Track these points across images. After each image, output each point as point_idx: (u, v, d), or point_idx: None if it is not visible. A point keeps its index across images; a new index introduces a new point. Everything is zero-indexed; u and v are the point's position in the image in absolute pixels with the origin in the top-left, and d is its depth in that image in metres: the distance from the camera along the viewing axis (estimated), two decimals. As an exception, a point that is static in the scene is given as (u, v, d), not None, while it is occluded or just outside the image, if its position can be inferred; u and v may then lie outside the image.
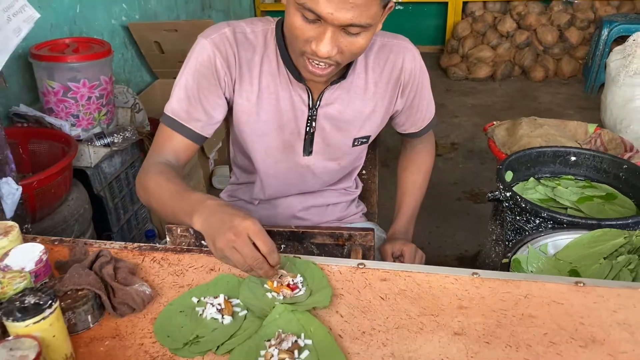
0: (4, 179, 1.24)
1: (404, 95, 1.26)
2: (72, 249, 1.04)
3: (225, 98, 1.18)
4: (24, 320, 0.73)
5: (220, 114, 1.18)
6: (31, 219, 1.61)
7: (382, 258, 1.33)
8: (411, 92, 1.27)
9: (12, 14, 1.15)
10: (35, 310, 0.74)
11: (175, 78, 3.00)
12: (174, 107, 1.15)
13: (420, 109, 1.32)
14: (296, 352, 0.79)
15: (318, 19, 0.94)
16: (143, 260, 1.03)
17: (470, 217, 2.73)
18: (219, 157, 3.24)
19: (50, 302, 0.75)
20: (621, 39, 3.70)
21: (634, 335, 0.82)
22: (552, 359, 0.79)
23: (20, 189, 1.27)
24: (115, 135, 2.08)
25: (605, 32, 3.99)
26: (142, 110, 2.54)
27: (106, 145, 2.04)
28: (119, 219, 2.23)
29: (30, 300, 0.75)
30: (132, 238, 2.33)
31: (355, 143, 1.27)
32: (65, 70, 1.94)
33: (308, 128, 1.22)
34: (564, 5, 4.58)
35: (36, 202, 1.66)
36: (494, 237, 1.92)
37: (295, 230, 1.19)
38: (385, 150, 1.60)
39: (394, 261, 1.29)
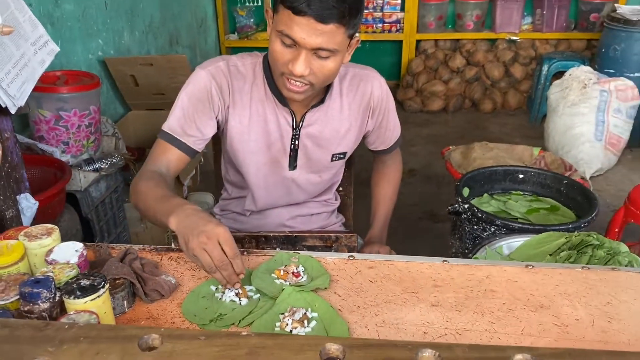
0: (22, 195, 1.37)
1: (373, 117, 1.49)
2: (97, 252, 1.18)
3: (217, 120, 1.37)
4: (83, 297, 0.88)
5: (210, 132, 1.37)
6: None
7: None
8: (380, 114, 1.49)
9: (38, 47, 1.30)
10: (92, 289, 0.89)
11: (148, 109, 3.19)
12: (171, 124, 1.34)
13: (388, 129, 1.55)
14: (305, 322, 0.96)
15: (294, 43, 1.16)
16: (161, 259, 1.18)
17: (431, 235, 2.96)
18: (192, 184, 3.37)
19: (103, 283, 0.90)
20: (559, 74, 4.07)
21: (572, 302, 1.04)
22: (510, 321, 0.99)
23: (37, 203, 1.41)
24: (103, 161, 2.22)
25: (545, 67, 4.38)
26: (121, 138, 2.68)
27: (95, 170, 2.17)
28: (103, 241, 2.34)
29: (86, 282, 0.90)
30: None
31: (334, 158, 1.48)
32: (57, 100, 2.08)
33: (292, 146, 1.42)
34: (508, 44, 4.97)
35: (35, 222, 1.77)
36: (454, 250, 2.14)
37: (289, 234, 1.37)
38: (359, 170, 1.81)
39: None
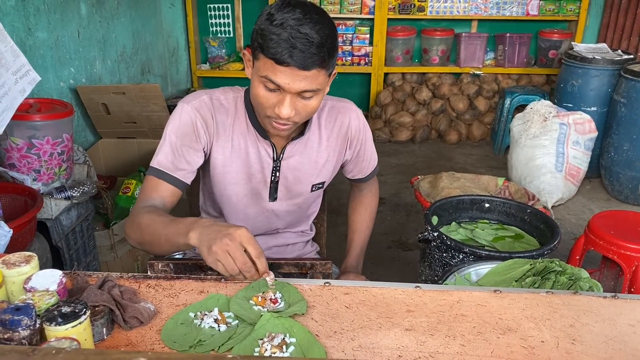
0: (-4, 223, 1.36)
1: (351, 147, 1.54)
2: (74, 279, 1.18)
3: (203, 151, 1.40)
4: (65, 324, 0.88)
5: (198, 164, 1.40)
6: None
7: None
8: (357, 145, 1.55)
9: (19, 76, 1.32)
10: (73, 316, 0.90)
11: (119, 137, 3.20)
12: (161, 160, 1.36)
13: (365, 158, 1.60)
14: (284, 347, 0.99)
15: (278, 88, 1.21)
16: (139, 287, 1.19)
17: (400, 263, 3.02)
18: (163, 213, 3.36)
19: (84, 309, 0.91)
20: (521, 107, 4.25)
21: (538, 324, 1.09)
22: (480, 344, 1.03)
23: (11, 231, 1.40)
24: (75, 189, 2.21)
25: (507, 101, 4.55)
26: (92, 166, 2.67)
27: (66, 199, 2.16)
28: (72, 270, 2.30)
29: (67, 309, 0.91)
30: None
31: (313, 189, 1.52)
32: (30, 128, 2.07)
33: (273, 177, 1.46)
34: (472, 78, 5.16)
35: (6, 250, 1.75)
36: (423, 278, 2.19)
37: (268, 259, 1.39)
38: (330, 199, 1.85)
39: None
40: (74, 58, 3.18)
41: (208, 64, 5.24)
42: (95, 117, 3.28)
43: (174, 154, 1.36)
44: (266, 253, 1.58)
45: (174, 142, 1.36)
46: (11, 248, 1.81)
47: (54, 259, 2.13)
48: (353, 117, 1.51)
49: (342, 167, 1.60)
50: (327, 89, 1.33)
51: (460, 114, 5.02)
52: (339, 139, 1.50)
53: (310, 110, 1.27)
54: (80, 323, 0.90)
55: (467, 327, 1.07)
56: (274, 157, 1.44)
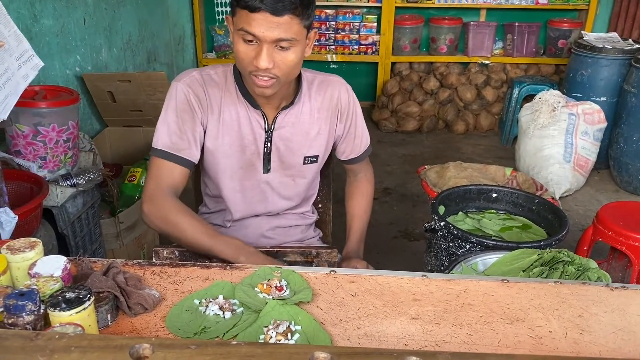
0: (2, 209, 1.36)
1: (342, 121, 1.55)
2: (79, 266, 1.18)
3: (202, 125, 1.42)
4: (69, 309, 0.88)
5: (202, 138, 1.43)
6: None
7: None
8: (348, 119, 1.55)
9: (22, 62, 1.31)
10: (78, 301, 0.89)
11: (125, 126, 3.20)
12: (165, 140, 1.37)
13: (357, 135, 1.60)
14: (289, 334, 0.98)
15: (254, 39, 1.23)
16: (144, 274, 1.18)
17: (406, 253, 3.00)
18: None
19: (88, 295, 0.91)
20: (529, 97, 4.21)
21: (546, 314, 1.08)
22: (487, 333, 1.02)
23: (17, 217, 1.40)
24: (80, 176, 2.20)
25: (516, 91, 4.51)
26: (98, 154, 2.66)
27: (72, 186, 2.16)
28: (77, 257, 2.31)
29: (71, 295, 0.91)
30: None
31: (306, 161, 1.52)
32: (36, 115, 2.07)
33: (265, 149, 1.47)
34: (480, 67, 5.11)
35: (12, 237, 1.75)
36: (429, 268, 2.18)
37: (270, 249, 1.39)
38: (335, 190, 1.84)
39: None
40: (80, 45, 3.17)
41: (214, 52, 5.22)
42: (101, 105, 3.27)
43: (176, 133, 1.38)
44: (270, 233, 1.60)
45: (174, 121, 1.38)
46: (17, 234, 1.80)
47: (60, 247, 2.13)
48: (343, 90, 1.52)
49: (334, 149, 1.60)
50: (309, 51, 1.34)
51: (467, 104, 4.99)
52: (329, 111, 1.51)
53: (289, 64, 1.28)
54: (84, 309, 0.89)
55: (474, 316, 1.06)
56: (265, 128, 1.45)
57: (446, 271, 1.61)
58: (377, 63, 5.20)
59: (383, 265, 1.50)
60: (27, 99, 2.12)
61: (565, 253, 1.56)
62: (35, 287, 0.94)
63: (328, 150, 1.58)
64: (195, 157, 1.40)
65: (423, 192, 3.53)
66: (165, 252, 1.37)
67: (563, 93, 3.90)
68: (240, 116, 1.43)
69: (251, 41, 1.23)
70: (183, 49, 5.06)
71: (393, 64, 5.19)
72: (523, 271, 1.56)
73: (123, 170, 2.94)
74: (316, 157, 1.54)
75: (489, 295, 1.13)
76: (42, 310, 0.90)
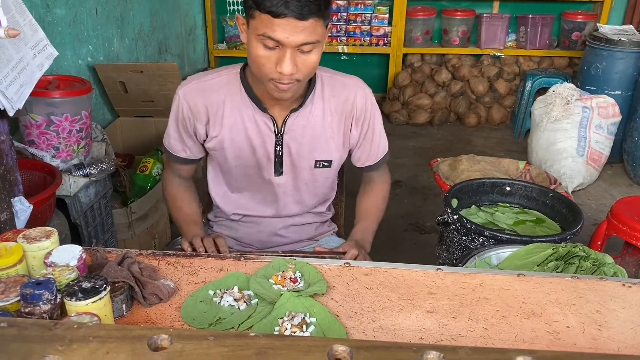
0: (16, 198, 1.37)
1: (357, 126, 1.47)
2: (94, 255, 1.18)
3: (196, 134, 1.46)
4: (85, 299, 0.88)
5: (201, 139, 1.47)
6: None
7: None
8: (364, 125, 1.48)
9: (37, 51, 1.31)
10: (94, 291, 0.89)
11: (137, 116, 3.24)
12: (168, 141, 1.51)
13: (374, 141, 1.53)
14: (304, 326, 0.98)
15: (277, 45, 1.18)
16: (159, 264, 1.18)
17: (417, 246, 2.99)
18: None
19: (104, 285, 0.91)
20: (543, 90, 4.16)
21: (563, 309, 1.06)
22: (503, 328, 1.01)
23: (31, 207, 1.40)
24: (93, 166, 2.21)
25: (529, 84, 4.46)
26: (110, 144, 2.67)
27: (85, 176, 2.16)
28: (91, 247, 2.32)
29: (87, 284, 0.91)
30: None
31: (317, 165, 1.48)
32: (49, 104, 2.07)
33: (277, 151, 1.44)
34: (493, 60, 5.06)
35: (26, 226, 1.76)
36: (441, 261, 2.17)
37: (282, 255, 1.38)
38: (346, 182, 1.82)
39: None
40: (92, 36, 3.17)
41: (225, 43, 5.20)
42: (113, 96, 3.27)
43: (176, 137, 1.48)
44: (283, 232, 1.58)
45: (174, 127, 1.47)
46: (31, 224, 1.81)
47: (73, 236, 2.14)
48: (359, 94, 1.44)
49: (350, 154, 1.55)
50: (324, 45, 1.29)
51: (480, 97, 4.94)
52: (342, 115, 1.45)
53: (310, 66, 1.24)
54: (100, 299, 0.90)
55: (490, 310, 1.05)
56: (275, 131, 1.41)
57: (460, 265, 1.60)
58: (388, 55, 5.16)
59: (393, 258, 1.48)
60: (41, 89, 2.12)
61: (581, 247, 1.55)
62: (51, 276, 0.94)
63: (343, 156, 1.52)
64: (194, 155, 1.51)
65: (434, 185, 3.51)
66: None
67: (577, 86, 3.86)
68: (246, 120, 1.40)
69: (273, 47, 1.19)
70: (194, 39, 5.04)
71: (405, 55, 5.16)
72: (537, 265, 1.55)
73: (135, 161, 2.94)
74: (329, 161, 1.48)
75: (505, 289, 1.12)
76: (58, 300, 0.90)
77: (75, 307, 0.88)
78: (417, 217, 3.32)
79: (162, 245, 2.84)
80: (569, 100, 3.56)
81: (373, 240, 1.59)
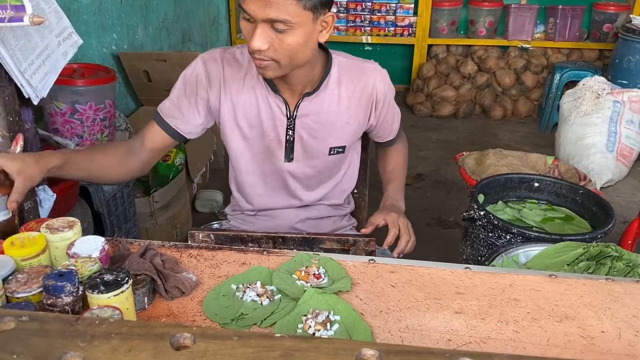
0: (40, 186, 1.36)
1: (376, 111, 1.45)
2: (116, 246, 1.17)
3: (207, 106, 1.39)
4: (107, 292, 0.87)
5: (194, 119, 1.40)
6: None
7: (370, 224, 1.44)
8: (384, 108, 1.46)
9: (62, 39, 1.30)
10: (116, 284, 0.88)
11: None
12: (164, 104, 1.41)
13: (395, 119, 1.54)
14: (328, 324, 0.95)
15: (249, 17, 1.16)
16: (181, 256, 1.17)
17: (440, 241, 2.95)
18: (202, 181, 3.37)
19: (126, 278, 0.89)
20: (571, 84, 4.06)
21: (597, 313, 1.02)
22: (535, 331, 0.97)
23: (55, 195, 1.40)
24: (116, 155, 2.21)
25: (557, 77, 4.36)
26: (133, 133, 2.67)
27: (108, 165, 2.16)
28: (114, 236, 2.33)
29: (109, 277, 0.89)
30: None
31: (331, 152, 1.45)
32: (73, 93, 2.07)
33: (288, 136, 1.41)
34: (520, 51, 4.96)
35: (50, 215, 1.76)
36: (465, 257, 2.12)
37: (307, 236, 1.36)
38: (370, 175, 1.79)
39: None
40: (117, 24, 3.17)
41: (248, 32, 5.18)
42: (137, 84, 3.27)
43: (173, 102, 1.39)
44: (300, 225, 1.56)
45: (178, 91, 1.39)
46: (54, 212, 1.82)
47: (95, 225, 2.14)
48: (378, 78, 1.41)
49: (368, 133, 1.54)
50: (326, 35, 1.24)
51: (506, 89, 4.85)
52: (361, 101, 1.41)
53: (287, 48, 1.17)
54: (122, 292, 0.88)
55: (521, 312, 1.02)
56: (287, 115, 1.38)
57: (486, 263, 1.56)
58: (413, 45, 5.09)
59: (415, 252, 1.45)
60: (65, 77, 2.12)
61: (613, 247, 1.50)
62: (73, 267, 0.93)
63: (355, 140, 1.51)
64: (182, 130, 1.40)
65: (458, 179, 3.45)
66: (200, 235, 1.35)
67: (607, 79, 3.75)
68: (260, 100, 1.37)
69: (249, 20, 1.17)
70: (217, 29, 5.03)
71: (430, 46, 5.08)
72: (568, 265, 1.50)
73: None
74: (343, 147, 1.46)
75: (536, 290, 1.08)
76: (80, 292, 0.89)
77: (98, 300, 0.87)
78: (440, 212, 3.27)
79: (183, 234, 2.84)
80: (599, 94, 3.47)
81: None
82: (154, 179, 2.66)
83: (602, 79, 3.62)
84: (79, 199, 2.06)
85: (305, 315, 0.97)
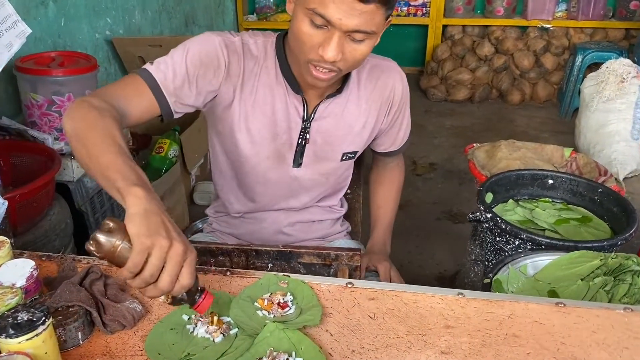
0: (-11, 193, 1.23)
1: (390, 114, 1.33)
2: (61, 265, 1.04)
3: (210, 97, 1.17)
4: (17, 336, 0.73)
5: (190, 102, 1.14)
6: (12, 233, 1.59)
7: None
8: (397, 112, 1.34)
9: (5, 29, 1.15)
10: (28, 326, 0.74)
11: None
12: (163, 71, 1.10)
13: (402, 128, 1.39)
14: (288, 370, 0.80)
15: (326, 24, 1.00)
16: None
17: (450, 237, 2.77)
18: (201, 173, 3.23)
19: (43, 318, 0.75)
20: (594, 66, 3.82)
21: (612, 355, 0.86)
22: (535, 378, 0.81)
23: (6, 203, 1.26)
24: (99, 149, 2.07)
25: (579, 58, 4.11)
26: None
27: (89, 160, 2.03)
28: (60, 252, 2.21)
29: (24, 316, 0.75)
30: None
31: (344, 158, 1.32)
32: (50, 83, 1.94)
33: (300, 140, 1.26)
34: (540, 32, 4.71)
35: (17, 216, 1.64)
36: (473, 257, 1.96)
37: (283, 249, 1.21)
38: (366, 174, 1.64)
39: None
40: (111, 7, 3.02)
41: (255, 14, 5.01)
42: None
43: (179, 76, 1.10)
44: (289, 230, 1.40)
45: (186, 62, 1.11)
46: (26, 213, 1.70)
47: (78, 224, 2.02)
48: (397, 78, 1.30)
49: (374, 139, 1.39)
50: (378, 40, 1.10)
51: (524, 72, 4.61)
52: (379, 103, 1.29)
53: (358, 58, 1.06)
54: (37, 335, 0.74)
55: (520, 353, 0.86)
56: (303, 117, 1.23)
57: (490, 275, 1.40)
58: (427, 26, 4.89)
59: (423, 249, 1.31)
60: (42, 67, 1.99)
61: (635, 260, 1.33)
62: (-14, 302, 0.79)
63: (367, 144, 1.38)
64: (175, 110, 1.13)
65: (471, 169, 3.28)
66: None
67: (634, 62, 3.50)
68: (277, 100, 1.21)
69: (321, 26, 1.01)
70: (223, 11, 4.86)
71: (444, 27, 4.87)
72: (582, 280, 1.34)
73: (151, 142, 2.81)
74: (355, 153, 1.33)
75: (539, 323, 0.92)
76: (-11, 334, 0.75)
77: (7, 345, 0.73)
78: (451, 205, 3.09)
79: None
80: (624, 78, 3.23)
81: (401, 228, 1.48)
82: (145, 172, 2.53)
83: (628, 61, 3.38)
84: (57, 197, 1.93)
85: (261, 359, 0.82)
